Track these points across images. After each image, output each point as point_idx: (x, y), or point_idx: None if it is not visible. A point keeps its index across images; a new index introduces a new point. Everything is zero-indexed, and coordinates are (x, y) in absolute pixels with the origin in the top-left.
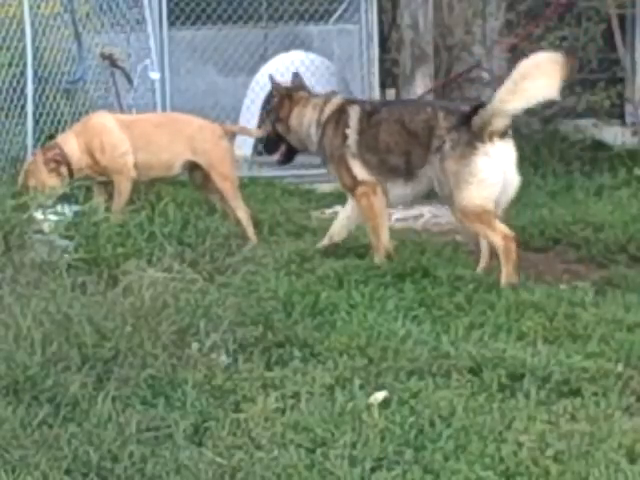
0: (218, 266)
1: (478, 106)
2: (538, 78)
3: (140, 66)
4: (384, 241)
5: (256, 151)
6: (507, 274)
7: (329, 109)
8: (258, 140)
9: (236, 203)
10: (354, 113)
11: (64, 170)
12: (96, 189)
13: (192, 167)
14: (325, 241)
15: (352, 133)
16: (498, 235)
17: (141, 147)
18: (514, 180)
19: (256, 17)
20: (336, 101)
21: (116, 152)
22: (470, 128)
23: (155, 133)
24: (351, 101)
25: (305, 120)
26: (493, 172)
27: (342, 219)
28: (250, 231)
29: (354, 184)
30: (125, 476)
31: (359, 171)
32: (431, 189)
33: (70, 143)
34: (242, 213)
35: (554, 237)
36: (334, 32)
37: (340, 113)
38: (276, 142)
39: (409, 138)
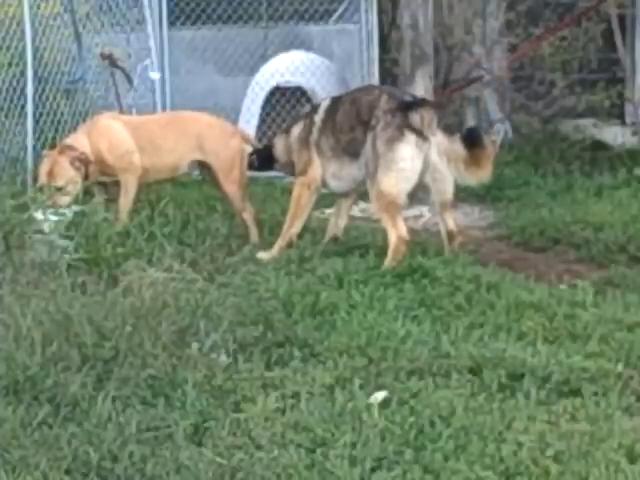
0: (218, 266)
1: (422, 101)
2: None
3: (140, 66)
4: (294, 231)
5: None
6: (388, 265)
7: (309, 107)
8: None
9: (241, 205)
10: (324, 103)
11: (84, 171)
12: (96, 190)
13: (203, 165)
14: (326, 238)
15: (318, 120)
16: (395, 234)
17: (147, 150)
18: (444, 173)
19: (256, 17)
20: (317, 102)
21: (122, 151)
22: (406, 116)
23: (161, 135)
24: (328, 97)
25: (300, 123)
26: (413, 163)
27: (335, 214)
28: (254, 233)
29: (304, 171)
30: (125, 476)
31: (315, 160)
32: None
33: (84, 144)
34: (247, 215)
35: (554, 237)
36: (334, 32)
37: (315, 107)
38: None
39: (356, 116)
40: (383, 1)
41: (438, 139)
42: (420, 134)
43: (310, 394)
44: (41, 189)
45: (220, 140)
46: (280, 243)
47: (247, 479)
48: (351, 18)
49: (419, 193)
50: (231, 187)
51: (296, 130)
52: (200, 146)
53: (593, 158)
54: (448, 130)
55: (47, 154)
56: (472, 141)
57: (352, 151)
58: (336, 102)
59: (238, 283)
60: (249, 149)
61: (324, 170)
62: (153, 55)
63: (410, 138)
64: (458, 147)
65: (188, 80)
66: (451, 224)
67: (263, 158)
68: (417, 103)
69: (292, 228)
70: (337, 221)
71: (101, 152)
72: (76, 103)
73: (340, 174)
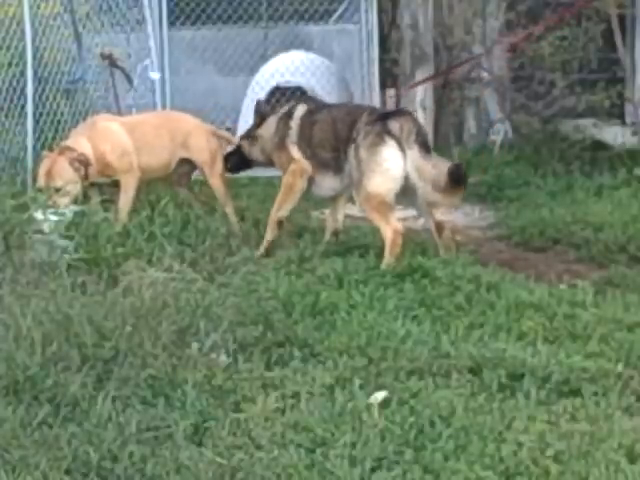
0: (218, 266)
1: (401, 111)
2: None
3: (140, 66)
4: (281, 214)
5: None
6: (387, 262)
7: (284, 109)
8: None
9: (225, 199)
10: (300, 109)
11: (83, 172)
12: (91, 191)
13: (183, 164)
14: (327, 236)
15: (295, 125)
16: (390, 228)
17: (144, 149)
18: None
19: (256, 17)
20: (290, 104)
21: (124, 152)
22: (385, 124)
23: (156, 135)
24: (302, 101)
25: (270, 124)
26: (397, 164)
27: (332, 211)
28: (236, 227)
29: (289, 162)
30: (125, 476)
31: (296, 153)
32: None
33: (85, 147)
34: (230, 209)
35: (554, 237)
36: (334, 32)
37: (290, 110)
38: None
39: (338, 134)
40: (383, 1)
41: (414, 154)
42: (400, 141)
43: (310, 394)
44: (40, 190)
45: (203, 137)
46: (271, 226)
47: (247, 479)
48: (351, 18)
49: (406, 195)
50: (216, 181)
51: (267, 133)
52: (186, 144)
53: (593, 158)
54: (424, 146)
55: (46, 155)
56: (457, 179)
57: (335, 166)
58: (313, 113)
59: (238, 283)
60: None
61: None
62: (153, 55)
63: (391, 142)
64: (429, 168)
65: (188, 80)
66: (438, 215)
67: (236, 160)
68: (396, 112)
69: (281, 211)
70: (335, 216)
71: (104, 154)
72: (76, 103)
73: (321, 184)
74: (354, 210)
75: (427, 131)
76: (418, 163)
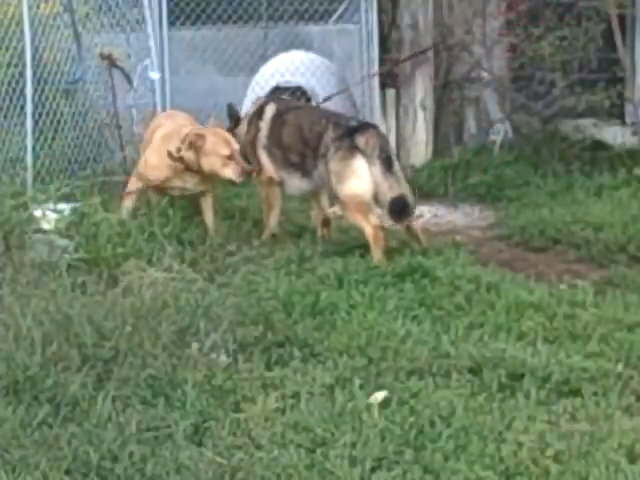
0: (218, 266)
1: (366, 125)
2: None
3: (140, 66)
4: (271, 224)
5: None
6: (377, 258)
7: (253, 107)
8: None
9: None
10: (269, 110)
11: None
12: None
13: None
14: (319, 231)
15: (264, 127)
16: (370, 225)
17: None
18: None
19: (256, 17)
20: (259, 101)
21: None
22: (353, 140)
23: None
24: (270, 101)
25: (243, 124)
26: (367, 174)
27: (315, 206)
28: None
29: (260, 171)
30: (125, 476)
31: (265, 162)
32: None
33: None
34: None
35: (554, 237)
36: (334, 32)
37: (260, 110)
38: None
39: (305, 143)
40: (383, 1)
41: (375, 170)
42: (366, 156)
43: (310, 394)
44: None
45: None
46: (265, 235)
47: (247, 479)
48: (351, 18)
49: None
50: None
51: (241, 131)
52: None
53: (593, 158)
54: (386, 163)
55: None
56: (398, 213)
57: (302, 169)
58: (281, 114)
59: (238, 283)
60: None
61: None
62: (153, 55)
63: (359, 156)
64: (385, 188)
65: (188, 80)
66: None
67: None
68: (362, 127)
69: (269, 223)
70: (319, 205)
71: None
72: (76, 103)
73: (288, 183)
74: None
75: (392, 147)
76: (378, 180)
